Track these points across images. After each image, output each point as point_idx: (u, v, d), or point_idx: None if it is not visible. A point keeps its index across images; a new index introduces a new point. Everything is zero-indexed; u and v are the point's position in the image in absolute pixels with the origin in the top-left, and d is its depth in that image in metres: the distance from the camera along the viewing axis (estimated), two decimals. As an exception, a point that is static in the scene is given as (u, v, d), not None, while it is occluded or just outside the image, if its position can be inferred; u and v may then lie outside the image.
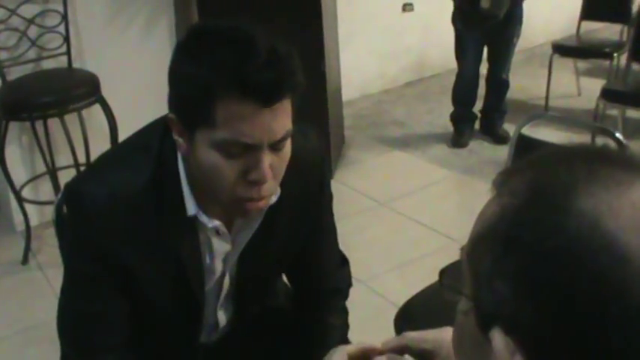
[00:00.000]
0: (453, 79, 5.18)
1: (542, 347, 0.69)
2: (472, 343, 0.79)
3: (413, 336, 1.24)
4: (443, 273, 0.88)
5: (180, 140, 1.36)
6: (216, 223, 1.46)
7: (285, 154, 1.36)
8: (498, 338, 0.72)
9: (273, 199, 1.44)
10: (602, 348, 0.66)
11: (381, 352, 1.25)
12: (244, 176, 1.32)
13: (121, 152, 1.57)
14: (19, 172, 4.06)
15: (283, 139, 1.32)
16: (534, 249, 0.69)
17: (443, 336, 1.19)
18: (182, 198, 1.42)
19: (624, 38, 5.70)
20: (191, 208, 1.43)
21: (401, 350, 1.24)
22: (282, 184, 1.43)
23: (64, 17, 3.99)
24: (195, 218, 1.44)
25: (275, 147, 1.32)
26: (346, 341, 1.79)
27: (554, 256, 0.68)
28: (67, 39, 4.02)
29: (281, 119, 1.29)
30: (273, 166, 1.33)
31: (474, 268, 0.76)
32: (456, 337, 0.86)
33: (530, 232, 0.70)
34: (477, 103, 5.21)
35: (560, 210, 0.69)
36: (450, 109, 5.23)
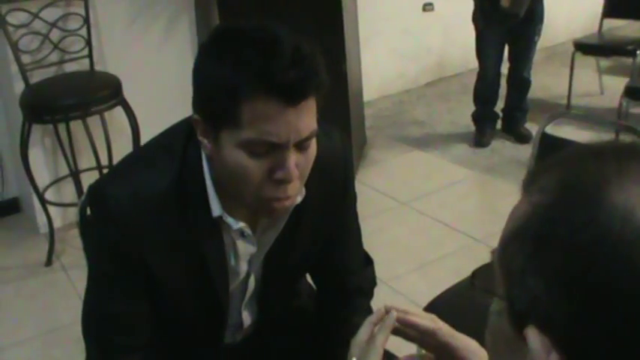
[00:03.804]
0: (474, 78, 5.17)
1: (577, 344, 0.68)
2: (506, 344, 0.78)
3: (443, 326, 1.20)
4: (475, 274, 0.88)
5: (205, 141, 1.36)
6: (242, 224, 1.46)
7: (311, 153, 1.36)
8: (533, 336, 0.71)
9: (298, 199, 1.43)
10: (638, 341, 0.66)
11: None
12: (270, 176, 1.32)
13: (144, 154, 1.57)
14: (42, 174, 4.09)
15: (309, 138, 1.32)
16: (566, 244, 0.69)
17: (471, 343, 1.18)
18: (207, 199, 1.42)
19: (647, 35, 5.66)
20: (216, 209, 1.43)
21: (426, 335, 1.21)
22: (307, 185, 1.43)
23: (86, 20, 4.02)
24: (219, 219, 1.45)
25: (301, 146, 1.32)
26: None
27: (587, 250, 0.67)
28: (88, 42, 4.05)
29: (306, 118, 1.29)
30: (299, 165, 1.33)
31: (506, 268, 0.75)
32: (490, 339, 0.85)
33: (561, 228, 0.69)
34: (499, 103, 5.19)
35: (592, 205, 0.68)
36: (472, 108, 5.21)
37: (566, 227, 0.69)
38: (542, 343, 0.70)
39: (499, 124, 5.27)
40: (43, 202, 3.96)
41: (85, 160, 4.03)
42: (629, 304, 0.65)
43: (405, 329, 1.22)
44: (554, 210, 0.71)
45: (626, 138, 2.59)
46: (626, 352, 0.66)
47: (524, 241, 0.73)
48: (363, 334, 1.20)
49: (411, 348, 1.38)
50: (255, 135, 1.27)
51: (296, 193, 1.40)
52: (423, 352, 1.27)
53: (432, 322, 1.21)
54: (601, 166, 0.71)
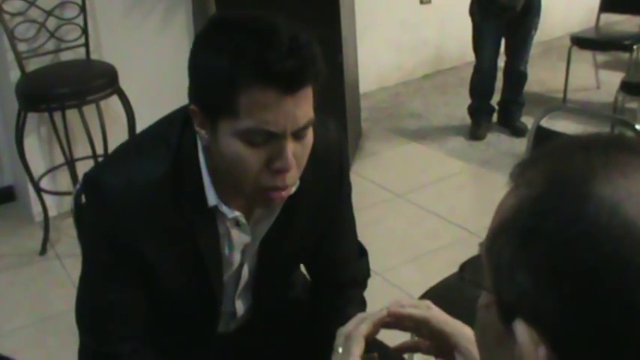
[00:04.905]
0: (470, 71, 5.16)
1: (565, 337, 0.68)
2: (495, 337, 0.78)
3: (437, 314, 1.21)
4: (463, 267, 0.87)
5: (202, 131, 1.36)
6: (237, 213, 1.46)
7: (308, 142, 1.37)
8: (521, 330, 0.71)
9: (292, 189, 1.44)
10: (627, 335, 0.66)
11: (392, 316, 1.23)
12: (268, 165, 1.32)
13: (140, 143, 1.57)
14: (37, 163, 4.08)
15: (306, 126, 1.33)
16: (554, 238, 0.68)
17: (465, 329, 1.18)
18: (202, 188, 1.43)
19: (644, 30, 5.66)
20: (212, 198, 1.43)
21: (420, 324, 1.22)
22: (301, 175, 1.43)
23: (83, 9, 4.00)
24: (214, 209, 1.45)
25: (298, 135, 1.32)
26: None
27: (574, 244, 0.67)
28: (85, 31, 4.04)
29: (303, 107, 1.30)
30: (296, 154, 1.33)
31: (494, 261, 0.75)
32: (478, 332, 0.85)
33: (549, 222, 0.69)
34: (495, 96, 5.19)
35: (579, 198, 0.68)
36: (468, 101, 5.21)
37: (554, 221, 0.69)
38: (530, 337, 0.70)
39: (495, 118, 5.27)
40: (38, 191, 3.96)
41: (81, 149, 4.03)
42: (617, 298, 0.65)
43: (399, 321, 1.22)
44: (542, 203, 0.71)
45: (620, 132, 2.59)
46: (614, 346, 0.67)
47: (511, 234, 0.73)
48: (350, 325, 1.20)
49: (405, 337, 1.38)
50: (253, 124, 1.28)
51: (294, 182, 1.40)
52: (416, 338, 1.28)
53: (426, 309, 1.21)
54: (588, 158, 0.71)
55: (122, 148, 1.56)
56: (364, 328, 1.18)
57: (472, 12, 4.88)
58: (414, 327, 1.24)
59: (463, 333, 1.17)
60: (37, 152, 4.14)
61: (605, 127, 4.02)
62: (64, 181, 4.16)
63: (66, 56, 4.11)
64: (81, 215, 1.79)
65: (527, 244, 0.71)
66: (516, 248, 0.72)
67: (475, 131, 5.12)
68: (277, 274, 1.68)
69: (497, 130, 5.19)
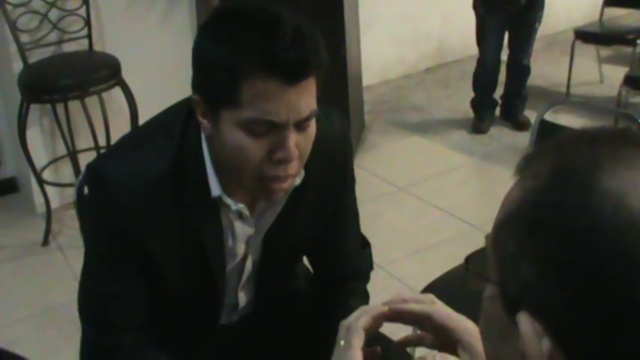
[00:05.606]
0: (473, 64, 5.15)
1: (569, 329, 0.68)
2: (499, 329, 0.78)
3: (440, 308, 1.20)
4: (469, 259, 0.87)
5: (204, 122, 1.37)
6: (241, 205, 1.46)
7: (310, 134, 1.37)
8: (525, 322, 0.71)
9: (297, 181, 1.44)
10: (630, 328, 0.66)
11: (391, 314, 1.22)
12: (270, 156, 1.32)
13: (143, 133, 1.57)
14: (39, 154, 4.08)
15: (308, 118, 1.33)
16: (558, 230, 0.68)
17: (468, 323, 1.18)
18: (205, 180, 1.42)
19: (648, 25, 5.65)
20: (215, 189, 1.43)
21: (423, 319, 1.21)
22: (306, 167, 1.43)
23: (85, 0, 3.99)
24: (218, 201, 1.45)
25: (300, 126, 1.32)
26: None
27: (578, 235, 0.67)
28: (88, 22, 4.03)
29: (306, 98, 1.30)
30: (299, 145, 1.33)
31: (499, 253, 0.75)
32: (483, 325, 0.85)
33: (553, 213, 0.69)
34: (498, 89, 5.18)
35: (584, 190, 0.68)
36: (471, 94, 5.20)
37: (558, 213, 0.69)
38: (533, 329, 0.70)
39: (498, 111, 5.26)
40: (41, 182, 3.96)
41: (83, 141, 4.03)
42: (620, 290, 0.65)
43: (401, 315, 1.22)
44: (547, 195, 0.71)
45: (626, 126, 2.59)
46: (616, 338, 0.67)
47: (516, 226, 0.73)
48: (352, 318, 1.20)
49: (408, 330, 1.38)
50: (255, 114, 1.28)
51: (295, 173, 1.40)
52: (419, 332, 1.28)
53: (429, 303, 1.21)
54: (594, 151, 0.71)
55: (125, 139, 1.56)
56: (364, 320, 1.18)
57: (476, 5, 4.87)
58: (416, 321, 1.24)
59: (466, 327, 1.17)
60: (40, 144, 4.14)
61: (609, 121, 4.02)
62: (66, 172, 4.16)
63: (68, 47, 4.10)
64: (83, 206, 1.79)
65: (531, 235, 0.71)
66: (521, 239, 0.72)
67: (478, 125, 5.12)
68: (281, 266, 1.68)
69: (500, 123, 5.18)
